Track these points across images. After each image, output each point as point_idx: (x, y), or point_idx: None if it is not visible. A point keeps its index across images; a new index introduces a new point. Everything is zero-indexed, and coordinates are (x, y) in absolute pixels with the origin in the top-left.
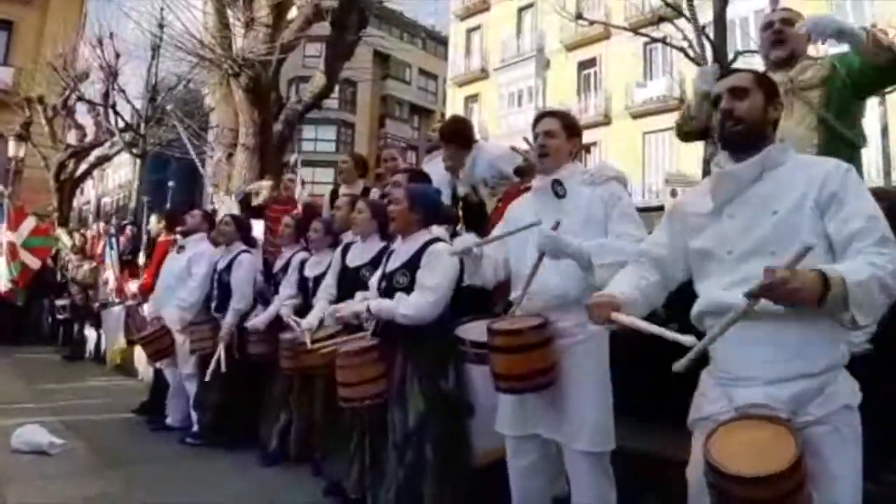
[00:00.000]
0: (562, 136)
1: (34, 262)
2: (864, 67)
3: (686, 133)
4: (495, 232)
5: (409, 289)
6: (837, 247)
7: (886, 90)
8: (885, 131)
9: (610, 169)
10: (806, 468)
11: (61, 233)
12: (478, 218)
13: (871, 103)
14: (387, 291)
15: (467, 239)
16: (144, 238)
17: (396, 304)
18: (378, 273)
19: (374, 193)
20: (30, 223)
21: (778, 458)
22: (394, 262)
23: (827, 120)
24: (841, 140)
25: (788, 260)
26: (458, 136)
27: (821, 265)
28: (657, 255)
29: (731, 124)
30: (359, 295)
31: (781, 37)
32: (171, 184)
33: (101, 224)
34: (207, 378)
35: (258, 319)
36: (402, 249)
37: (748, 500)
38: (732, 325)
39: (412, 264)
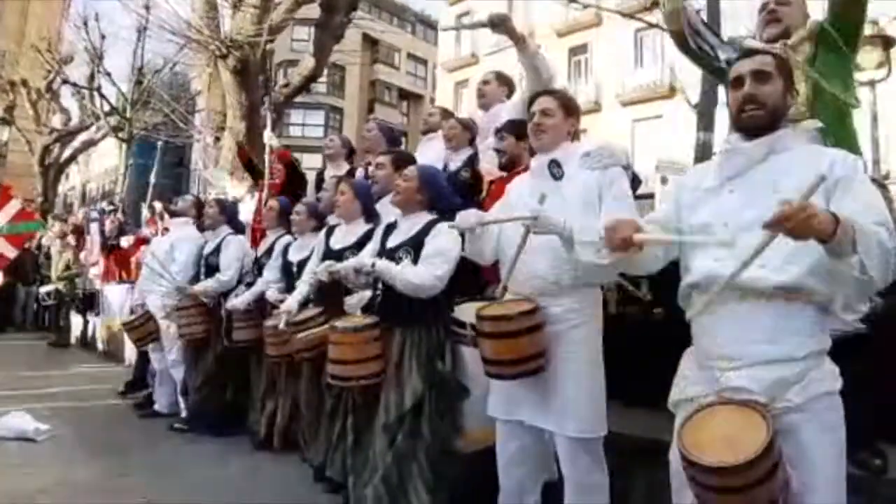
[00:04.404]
0: (559, 114)
1: (10, 251)
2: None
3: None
4: (495, 212)
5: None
6: None
7: (877, 79)
8: (875, 119)
9: (611, 153)
10: (779, 455)
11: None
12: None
13: (863, 92)
14: None
15: (469, 216)
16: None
17: (402, 270)
18: (370, 248)
19: (360, 174)
20: (13, 206)
21: (746, 447)
22: (395, 239)
23: (812, 77)
24: (829, 98)
25: (804, 192)
26: (510, 84)
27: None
28: (656, 221)
29: (753, 108)
30: (352, 261)
31: (776, 16)
32: (153, 175)
33: (80, 214)
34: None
35: (238, 300)
36: (404, 226)
37: (717, 488)
38: (756, 257)
39: (416, 242)
